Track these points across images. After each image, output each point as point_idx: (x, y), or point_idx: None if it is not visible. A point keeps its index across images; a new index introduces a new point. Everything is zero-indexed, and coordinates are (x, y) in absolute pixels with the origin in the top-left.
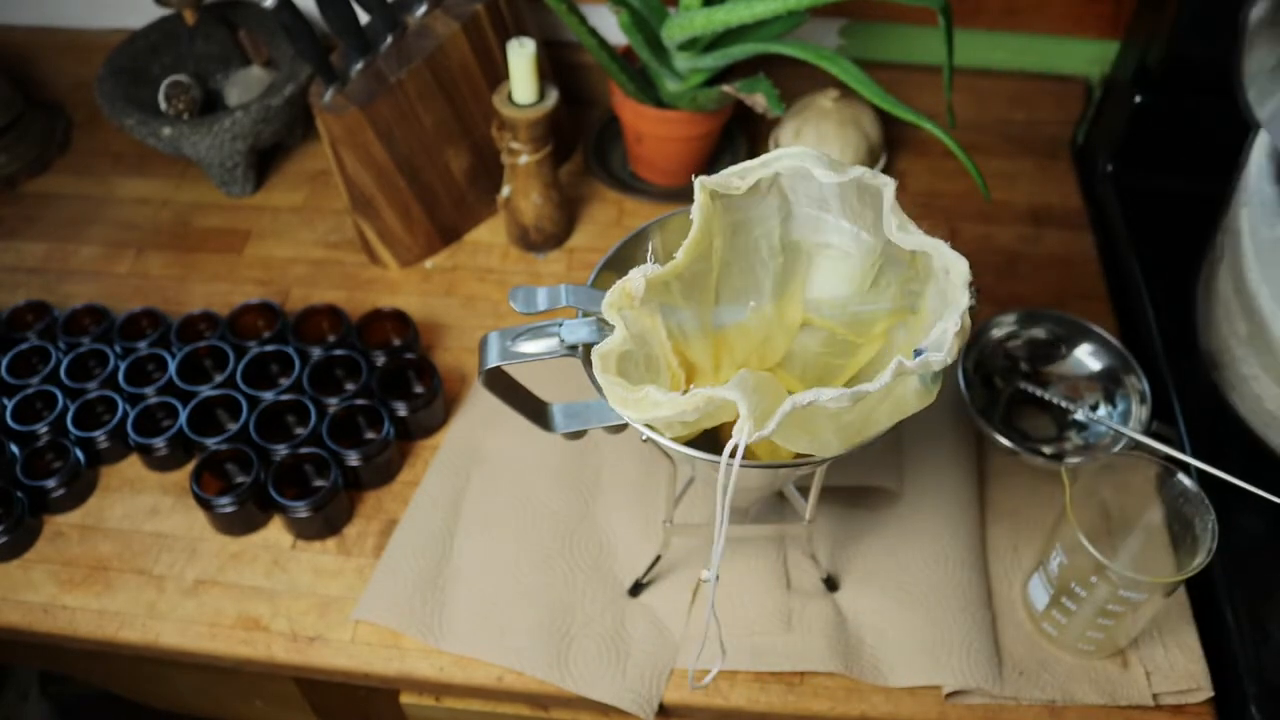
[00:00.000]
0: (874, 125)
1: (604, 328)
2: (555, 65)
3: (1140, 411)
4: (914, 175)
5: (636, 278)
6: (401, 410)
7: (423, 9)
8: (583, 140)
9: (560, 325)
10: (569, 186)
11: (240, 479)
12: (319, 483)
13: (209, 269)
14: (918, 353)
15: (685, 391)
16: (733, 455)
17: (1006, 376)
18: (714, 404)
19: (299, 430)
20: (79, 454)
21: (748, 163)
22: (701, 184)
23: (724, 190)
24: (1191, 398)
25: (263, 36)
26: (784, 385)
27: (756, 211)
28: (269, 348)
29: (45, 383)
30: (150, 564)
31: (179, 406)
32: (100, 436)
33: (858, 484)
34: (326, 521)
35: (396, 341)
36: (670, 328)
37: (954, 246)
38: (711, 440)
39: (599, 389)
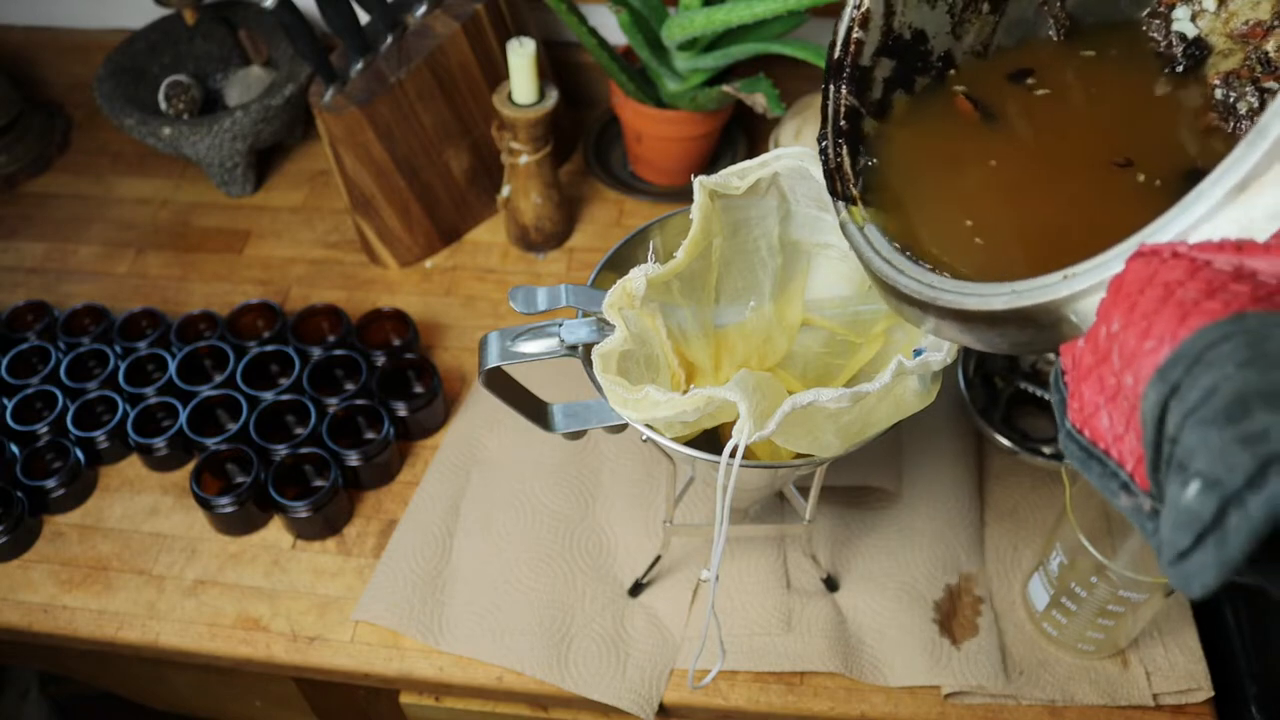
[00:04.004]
0: None
1: (604, 328)
2: (555, 65)
3: None
4: None
5: (637, 277)
6: (401, 410)
7: (423, 9)
8: (583, 140)
9: (560, 325)
10: (569, 186)
11: (240, 479)
12: (319, 483)
13: (209, 269)
14: (917, 353)
15: (685, 391)
16: (732, 455)
17: (1006, 376)
18: (714, 404)
19: (299, 430)
20: (79, 454)
21: (746, 163)
22: (701, 184)
23: (723, 190)
24: None
25: (263, 36)
26: (784, 385)
27: (755, 211)
28: (269, 348)
29: (45, 383)
30: (150, 564)
31: (179, 406)
32: (100, 436)
33: (857, 484)
34: (326, 521)
35: (396, 341)
36: (670, 328)
37: None
38: (711, 440)
39: (599, 389)
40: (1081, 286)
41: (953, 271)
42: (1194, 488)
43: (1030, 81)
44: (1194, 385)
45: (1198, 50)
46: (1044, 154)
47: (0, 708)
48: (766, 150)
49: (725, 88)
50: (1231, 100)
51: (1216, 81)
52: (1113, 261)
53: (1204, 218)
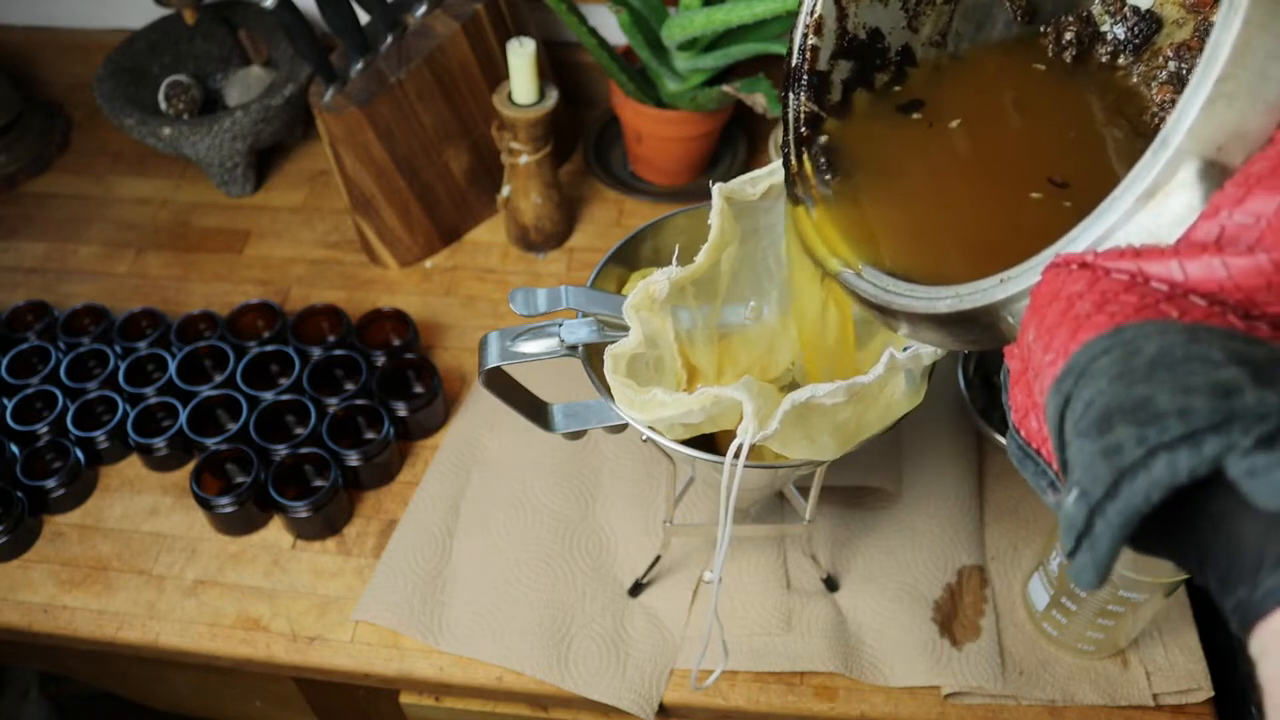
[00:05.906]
0: None
1: (603, 328)
2: (555, 65)
3: None
4: None
5: (660, 280)
6: (401, 410)
7: (423, 9)
8: (583, 140)
9: (560, 325)
10: (569, 186)
11: (240, 479)
12: (319, 483)
13: (209, 269)
14: (907, 349)
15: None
16: (736, 455)
17: (1006, 376)
18: (720, 405)
19: (299, 430)
20: (79, 454)
21: (758, 170)
22: (719, 190)
23: (738, 196)
24: None
25: (263, 36)
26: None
27: (764, 220)
28: (269, 348)
29: (45, 383)
30: (150, 564)
31: (179, 406)
32: (100, 436)
33: (857, 484)
34: (326, 521)
35: (396, 341)
36: (678, 331)
37: None
38: (709, 443)
39: (599, 389)
40: (1015, 290)
41: (906, 275)
42: (1072, 496)
43: (917, 116)
44: (1078, 398)
45: (1148, 26)
46: (982, 161)
47: (0, 708)
48: (766, 150)
49: (725, 88)
50: (1184, 72)
51: (1169, 54)
52: (1035, 269)
53: (1116, 225)
